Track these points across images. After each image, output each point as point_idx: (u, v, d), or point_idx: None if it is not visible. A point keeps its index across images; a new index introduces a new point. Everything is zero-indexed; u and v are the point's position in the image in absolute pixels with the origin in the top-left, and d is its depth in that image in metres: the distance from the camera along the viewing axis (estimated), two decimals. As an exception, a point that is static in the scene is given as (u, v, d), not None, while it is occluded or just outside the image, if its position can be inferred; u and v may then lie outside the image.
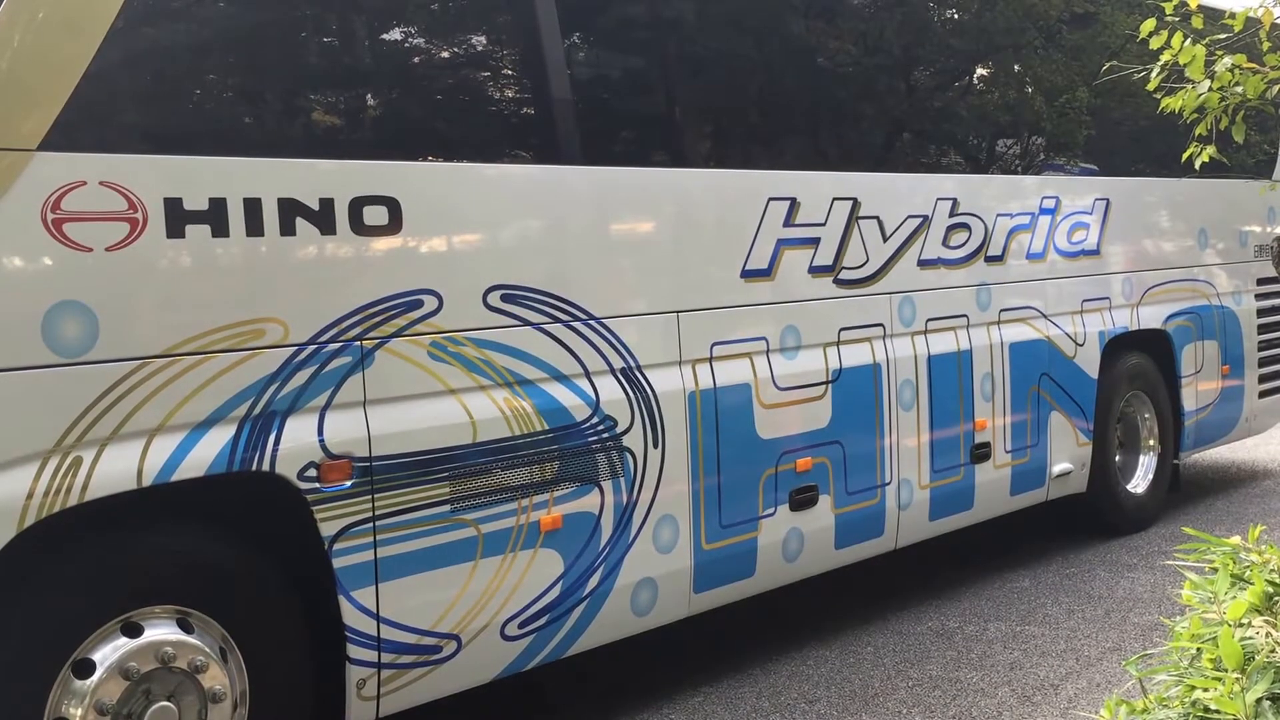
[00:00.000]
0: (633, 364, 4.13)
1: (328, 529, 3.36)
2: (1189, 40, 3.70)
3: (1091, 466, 6.22)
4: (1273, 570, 2.51)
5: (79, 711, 2.97)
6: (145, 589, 3.12)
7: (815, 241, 4.79)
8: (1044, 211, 5.97)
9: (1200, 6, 3.80)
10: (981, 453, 5.53)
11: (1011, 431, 5.70)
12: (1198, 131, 3.97)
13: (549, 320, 3.89)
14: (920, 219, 5.26)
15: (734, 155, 4.91)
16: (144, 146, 3.13)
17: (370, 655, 3.45)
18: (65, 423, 2.92)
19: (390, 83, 3.80)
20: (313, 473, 3.32)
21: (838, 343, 4.87)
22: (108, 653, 3.03)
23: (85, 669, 3.00)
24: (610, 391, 4.04)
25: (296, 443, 3.29)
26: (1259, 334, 7.45)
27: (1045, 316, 5.93)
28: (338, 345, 3.39)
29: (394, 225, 3.52)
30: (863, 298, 4.99)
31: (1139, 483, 6.69)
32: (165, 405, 3.08)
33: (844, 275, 4.91)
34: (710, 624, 4.71)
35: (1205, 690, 2.11)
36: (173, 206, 3.08)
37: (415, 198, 3.57)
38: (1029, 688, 4.38)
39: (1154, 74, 3.86)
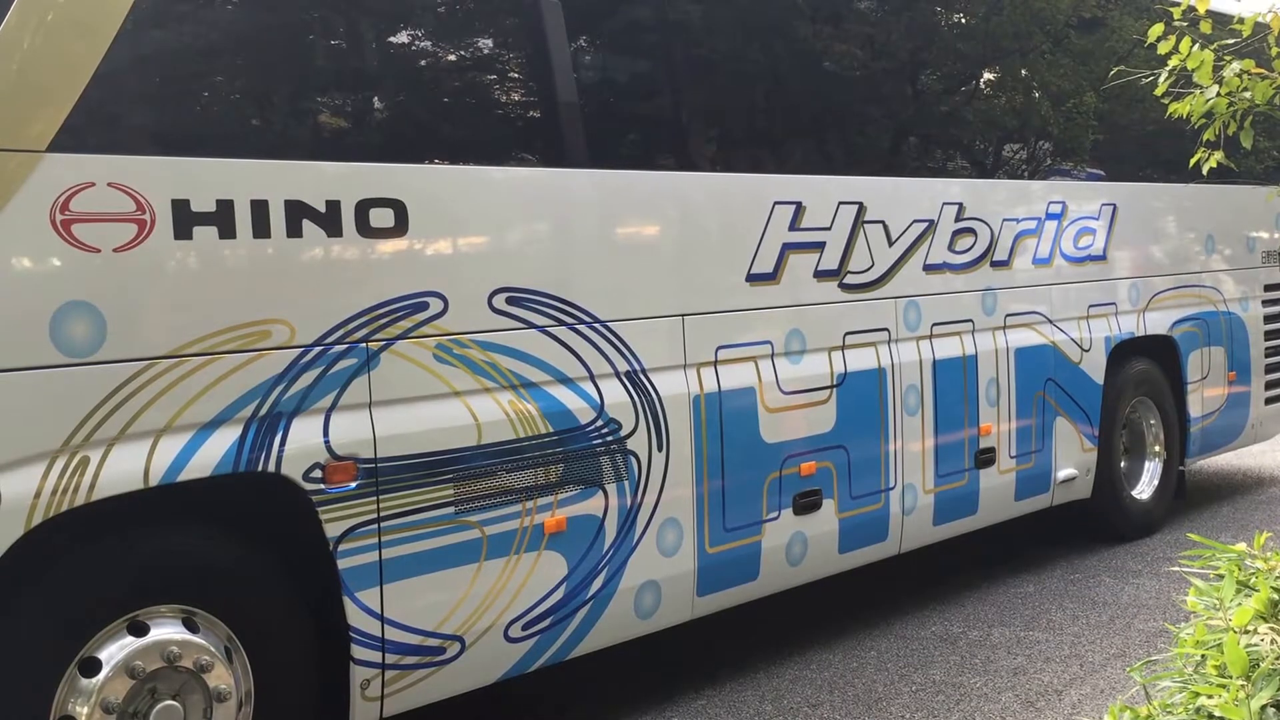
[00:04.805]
0: (637, 367, 4.13)
1: (333, 530, 3.37)
2: (1197, 45, 3.70)
3: (1096, 472, 6.20)
4: (1278, 577, 2.51)
5: (85, 710, 2.97)
6: (151, 588, 3.13)
7: (820, 245, 4.79)
8: (1050, 216, 5.96)
9: (1209, 11, 3.79)
10: (986, 458, 5.53)
11: (1016, 436, 5.69)
12: (1205, 137, 3.97)
13: (554, 323, 3.90)
14: (926, 223, 5.26)
15: (740, 159, 4.91)
16: (152, 148, 3.14)
17: (374, 656, 3.46)
18: (73, 423, 2.93)
19: (397, 86, 3.81)
20: (318, 474, 3.33)
21: (843, 347, 4.87)
22: (114, 651, 3.04)
23: (91, 668, 3.01)
24: (615, 395, 4.05)
25: (302, 444, 3.30)
26: (1266, 340, 7.44)
27: (1051, 322, 5.92)
28: (344, 347, 3.40)
29: (400, 228, 3.53)
30: (868, 302, 4.99)
31: (1144, 489, 6.68)
32: (172, 406, 3.09)
33: (849, 280, 4.91)
34: (713, 627, 4.71)
35: (1210, 697, 2.11)
36: (180, 208, 3.09)
37: (421, 200, 3.58)
38: (1033, 693, 4.38)
39: (1162, 79, 3.86)
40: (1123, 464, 6.54)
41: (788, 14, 5.04)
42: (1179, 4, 4.02)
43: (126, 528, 3.10)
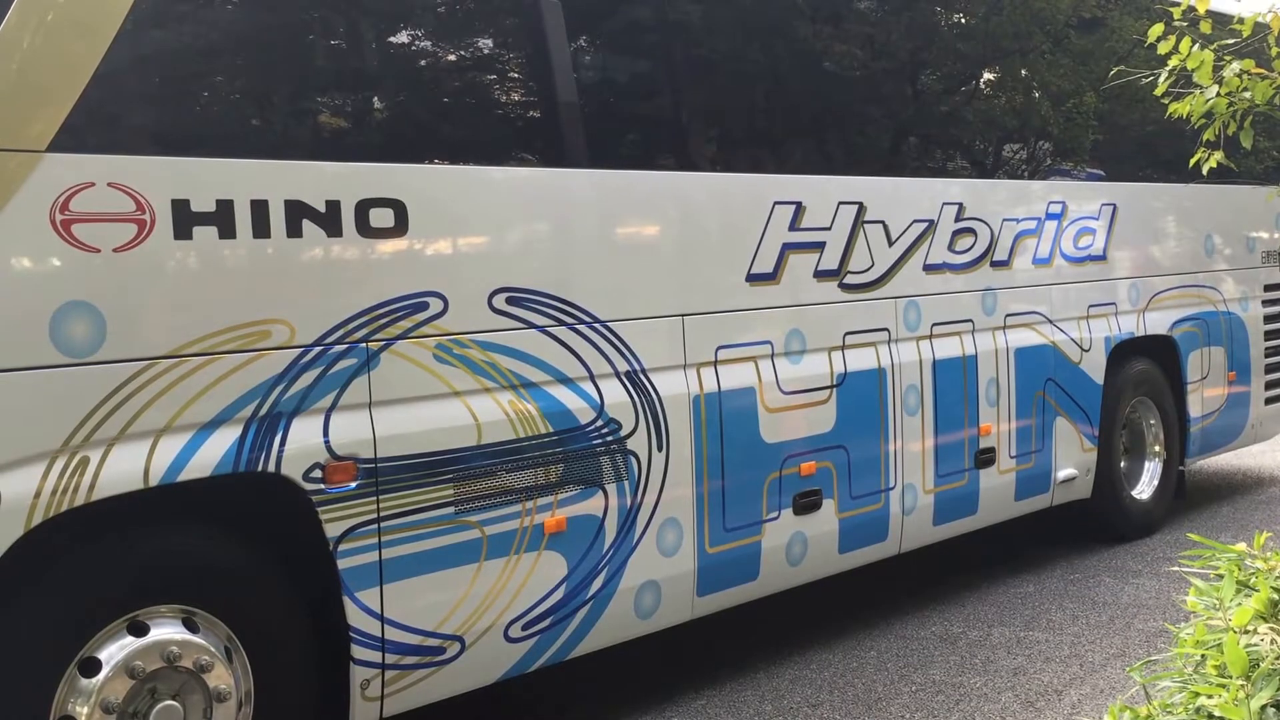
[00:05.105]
0: (637, 367, 4.13)
1: (333, 530, 3.37)
2: (1197, 45, 3.70)
3: (1096, 472, 6.21)
4: (1278, 577, 2.51)
5: (85, 710, 2.97)
6: (151, 588, 3.13)
7: (820, 245, 4.79)
8: (1050, 216, 5.97)
9: (1209, 11, 3.80)
10: (986, 458, 5.53)
11: (1016, 436, 5.69)
12: (1205, 137, 3.97)
13: (554, 323, 3.90)
14: (926, 223, 5.26)
15: (740, 159, 4.92)
16: (152, 148, 3.14)
17: (374, 656, 3.46)
18: (72, 423, 2.93)
19: (397, 86, 3.81)
20: (318, 474, 3.33)
21: (843, 347, 4.87)
22: (114, 651, 3.04)
23: (91, 668, 3.01)
24: (615, 395, 4.05)
25: (302, 444, 3.30)
26: (1266, 340, 7.44)
27: (1051, 322, 5.92)
28: (344, 347, 3.40)
29: (400, 228, 3.53)
30: (868, 302, 4.99)
31: (1144, 489, 6.68)
32: (172, 406, 3.09)
33: (849, 280, 4.92)
34: (713, 627, 4.72)
35: (1210, 697, 2.11)
36: (180, 208, 3.09)
37: (421, 200, 3.58)
38: (1032, 693, 4.38)
39: (1162, 79, 3.87)
40: (1123, 464, 6.54)
41: (788, 14, 5.04)
42: (1179, 4, 4.02)
43: (126, 528, 3.10)
